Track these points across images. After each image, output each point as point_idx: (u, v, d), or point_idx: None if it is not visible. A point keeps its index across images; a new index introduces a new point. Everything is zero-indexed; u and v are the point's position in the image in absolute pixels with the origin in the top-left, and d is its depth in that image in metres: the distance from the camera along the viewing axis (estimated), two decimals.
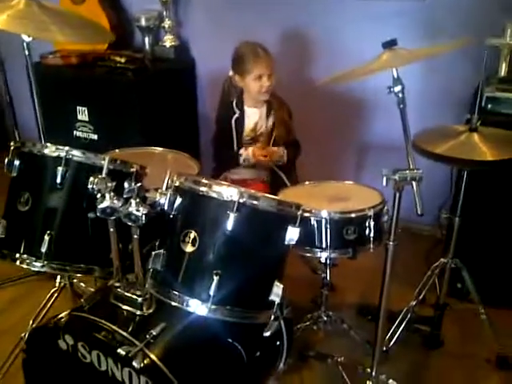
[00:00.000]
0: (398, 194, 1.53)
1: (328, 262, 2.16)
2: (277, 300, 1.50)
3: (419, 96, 2.84)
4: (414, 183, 1.48)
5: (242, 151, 2.38)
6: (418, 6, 2.73)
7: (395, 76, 1.52)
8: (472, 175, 2.03)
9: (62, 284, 2.10)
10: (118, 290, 1.60)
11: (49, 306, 2.06)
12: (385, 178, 1.48)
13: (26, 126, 2.70)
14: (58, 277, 2.11)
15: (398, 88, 1.51)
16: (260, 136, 2.47)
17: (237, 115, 2.40)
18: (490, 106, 2.33)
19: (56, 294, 2.09)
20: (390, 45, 1.59)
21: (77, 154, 1.59)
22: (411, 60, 1.67)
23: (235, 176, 2.48)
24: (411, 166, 1.52)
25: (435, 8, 2.72)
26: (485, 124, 1.93)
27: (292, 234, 1.47)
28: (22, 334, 1.82)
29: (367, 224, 1.87)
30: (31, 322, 2.00)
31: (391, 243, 1.60)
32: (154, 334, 1.46)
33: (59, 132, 2.96)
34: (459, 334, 2.38)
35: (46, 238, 1.59)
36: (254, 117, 2.44)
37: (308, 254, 1.91)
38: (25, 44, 1.94)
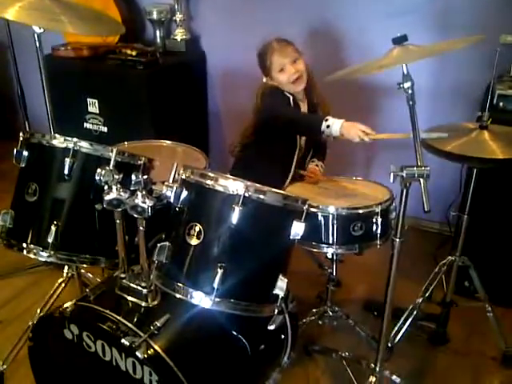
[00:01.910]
0: (405, 191, 1.52)
1: (334, 257, 2.16)
2: (281, 294, 1.50)
3: (430, 92, 2.83)
4: (421, 180, 1.47)
5: (329, 117, 1.94)
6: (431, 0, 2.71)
7: (405, 72, 1.50)
8: (482, 173, 2.01)
9: (70, 274, 2.10)
10: (124, 281, 1.61)
11: (56, 295, 2.07)
12: (392, 175, 1.48)
13: (36, 118, 2.71)
14: (66, 267, 2.11)
15: (407, 84, 1.49)
16: None
17: (291, 98, 2.18)
18: (501, 103, 2.31)
19: (63, 284, 2.10)
20: (400, 40, 1.58)
21: (85, 146, 1.61)
22: (422, 56, 1.65)
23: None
24: (419, 163, 1.51)
25: (448, 3, 2.69)
26: (496, 122, 1.92)
27: (297, 229, 1.47)
28: (30, 323, 1.85)
29: (374, 220, 1.87)
30: (38, 311, 2.01)
31: (397, 239, 1.59)
32: (158, 325, 1.47)
33: (70, 124, 2.97)
34: (465, 332, 2.37)
35: (53, 228, 1.61)
36: (302, 108, 2.27)
37: (314, 250, 1.91)
38: (36, 36, 1.94)
